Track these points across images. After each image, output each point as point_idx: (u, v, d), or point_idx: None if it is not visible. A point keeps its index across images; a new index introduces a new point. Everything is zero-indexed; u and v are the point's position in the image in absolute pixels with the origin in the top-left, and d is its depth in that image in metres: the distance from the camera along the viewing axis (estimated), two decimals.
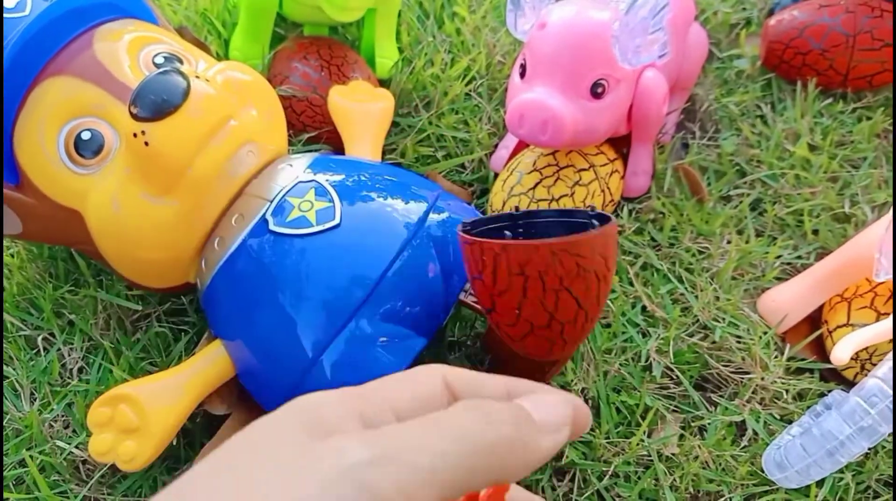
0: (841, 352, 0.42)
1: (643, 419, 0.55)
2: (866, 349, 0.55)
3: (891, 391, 0.40)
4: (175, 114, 0.44)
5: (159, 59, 0.49)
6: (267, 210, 0.47)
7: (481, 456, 0.21)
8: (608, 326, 0.59)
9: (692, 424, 0.55)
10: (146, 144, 0.44)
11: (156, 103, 0.43)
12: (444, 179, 0.67)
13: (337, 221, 0.46)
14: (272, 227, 0.46)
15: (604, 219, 0.41)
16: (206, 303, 0.49)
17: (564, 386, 0.55)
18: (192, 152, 0.45)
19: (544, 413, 0.24)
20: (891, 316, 0.44)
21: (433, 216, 0.51)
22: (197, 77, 0.46)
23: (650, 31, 0.57)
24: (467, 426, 0.21)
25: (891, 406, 0.40)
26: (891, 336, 0.44)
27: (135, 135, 0.44)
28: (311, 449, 0.20)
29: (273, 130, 0.51)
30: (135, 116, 0.44)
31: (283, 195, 0.48)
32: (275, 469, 0.20)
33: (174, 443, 0.49)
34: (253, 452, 0.21)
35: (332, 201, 0.47)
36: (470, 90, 0.71)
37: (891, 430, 0.40)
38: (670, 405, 0.56)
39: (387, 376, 0.25)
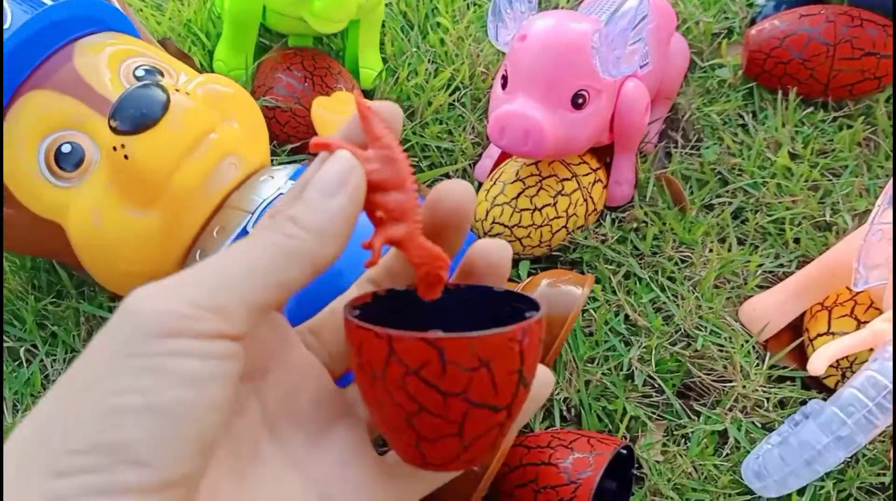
0: (817, 362, 0.43)
1: (627, 427, 0.55)
2: (847, 357, 0.56)
3: (868, 402, 0.40)
4: (155, 127, 0.44)
5: (140, 73, 0.49)
6: (248, 222, 0.47)
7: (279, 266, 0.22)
8: (591, 334, 0.59)
9: (675, 432, 0.56)
10: (126, 157, 0.44)
11: (135, 117, 0.43)
12: (429, 188, 0.67)
13: None
14: None
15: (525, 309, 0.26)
16: None
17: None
18: (172, 166, 0.45)
19: (316, 205, 0.23)
20: (867, 325, 0.45)
21: None
22: (177, 90, 0.46)
23: (630, 42, 0.57)
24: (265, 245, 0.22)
25: (867, 416, 0.41)
26: (867, 346, 0.44)
27: (115, 148, 0.44)
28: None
29: (254, 143, 0.51)
30: (114, 130, 0.44)
31: (265, 207, 0.48)
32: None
33: None
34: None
35: None
36: (454, 100, 0.72)
37: (867, 440, 0.41)
38: (653, 413, 0.56)
39: None
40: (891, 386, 0.41)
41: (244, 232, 0.47)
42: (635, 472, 0.52)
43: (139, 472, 0.18)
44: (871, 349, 0.44)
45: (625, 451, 0.49)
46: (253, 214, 0.48)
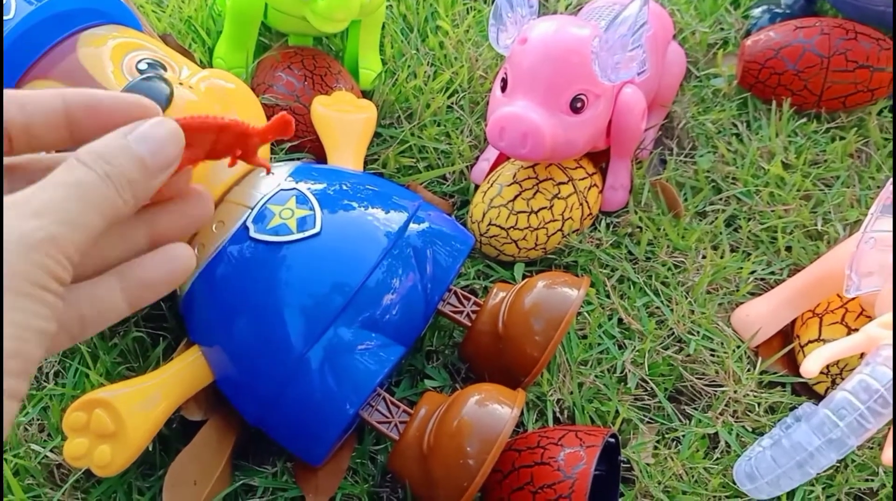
0: (811, 365, 0.43)
1: (619, 429, 0.55)
2: (837, 363, 0.57)
3: (859, 405, 0.41)
4: None
5: (143, 66, 0.49)
6: (248, 217, 0.48)
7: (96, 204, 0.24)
8: (584, 337, 0.59)
9: (666, 436, 0.56)
10: None
11: None
12: (426, 190, 0.67)
13: (317, 229, 0.47)
14: (253, 234, 0.47)
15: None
16: (185, 309, 0.49)
17: (540, 397, 0.56)
18: None
19: (154, 154, 0.25)
20: (861, 329, 0.45)
21: (413, 226, 0.51)
22: (180, 84, 0.46)
23: (629, 48, 0.58)
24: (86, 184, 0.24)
25: (859, 420, 0.41)
26: (861, 350, 0.45)
27: None
28: None
29: None
30: None
31: (265, 203, 0.48)
32: None
33: (150, 449, 0.49)
34: None
35: (312, 209, 0.48)
36: (452, 103, 0.72)
37: (858, 443, 0.41)
38: (645, 416, 0.57)
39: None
40: (882, 390, 0.41)
41: (244, 227, 0.47)
42: (622, 460, 0.52)
43: None
44: (863, 354, 0.45)
45: (612, 439, 0.50)
46: (252, 209, 0.48)
